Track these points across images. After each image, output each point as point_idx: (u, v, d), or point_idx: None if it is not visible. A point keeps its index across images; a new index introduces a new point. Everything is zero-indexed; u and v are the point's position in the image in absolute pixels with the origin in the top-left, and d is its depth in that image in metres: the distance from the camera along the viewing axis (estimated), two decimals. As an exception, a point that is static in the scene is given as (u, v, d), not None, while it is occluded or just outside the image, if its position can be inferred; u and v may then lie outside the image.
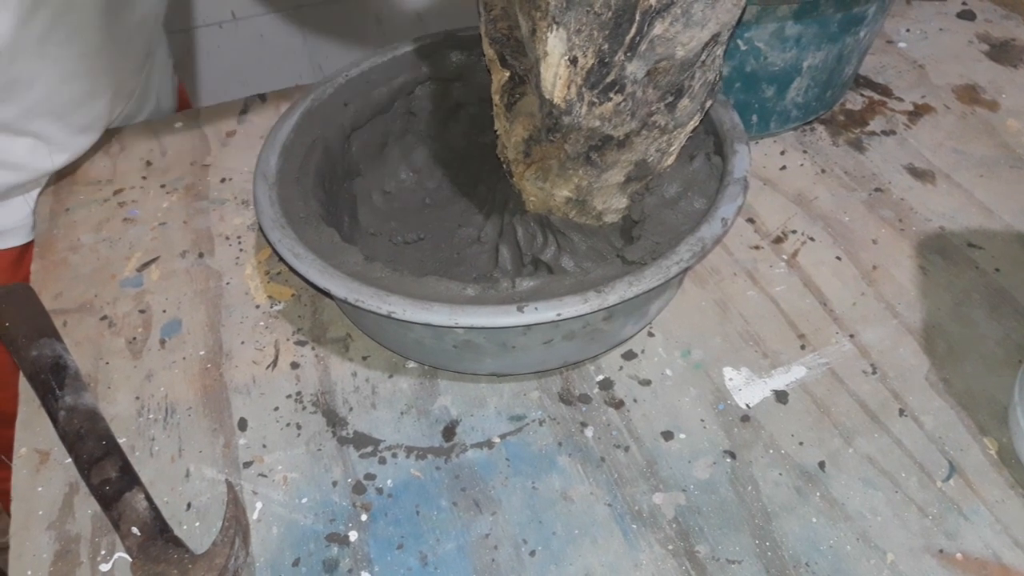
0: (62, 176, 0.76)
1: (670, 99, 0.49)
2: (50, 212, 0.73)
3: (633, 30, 0.44)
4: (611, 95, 0.47)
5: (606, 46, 0.45)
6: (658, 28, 0.44)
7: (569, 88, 0.47)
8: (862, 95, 0.85)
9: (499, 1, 0.52)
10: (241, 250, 0.68)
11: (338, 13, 1.45)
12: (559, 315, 0.48)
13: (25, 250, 0.76)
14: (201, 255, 0.68)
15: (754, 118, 0.77)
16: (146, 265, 0.67)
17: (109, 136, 0.80)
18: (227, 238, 0.69)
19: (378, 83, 0.68)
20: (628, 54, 0.45)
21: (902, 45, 0.93)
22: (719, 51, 0.49)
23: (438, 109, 0.71)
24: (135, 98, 0.82)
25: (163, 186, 0.75)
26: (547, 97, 0.48)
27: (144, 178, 0.76)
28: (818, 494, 0.51)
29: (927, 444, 0.54)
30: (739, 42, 0.69)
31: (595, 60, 0.46)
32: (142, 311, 0.64)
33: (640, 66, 0.46)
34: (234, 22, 1.43)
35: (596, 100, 0.47)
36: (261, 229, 0.55)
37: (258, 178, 0.58)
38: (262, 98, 0.84)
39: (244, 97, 0.84)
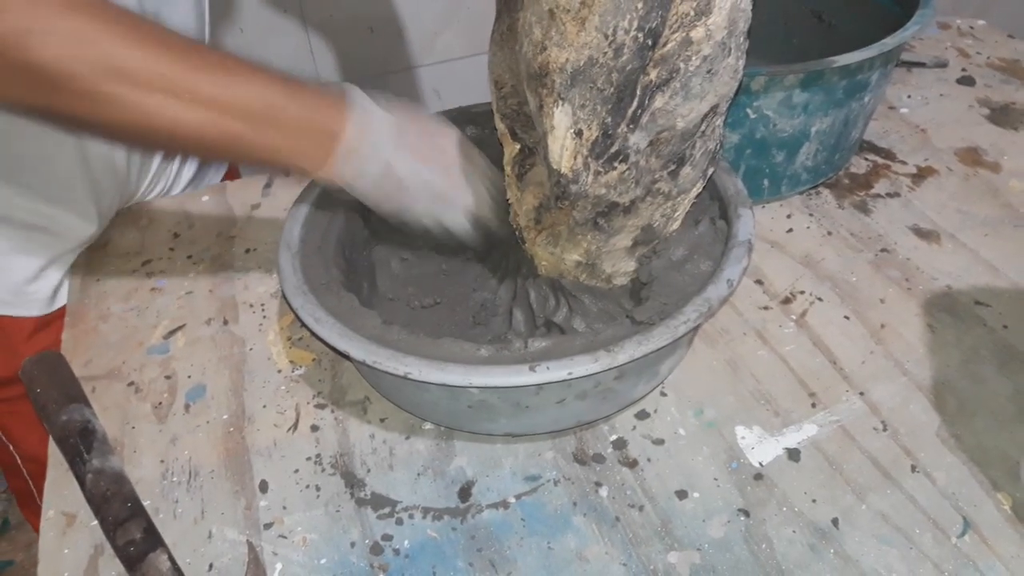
0: (93, 249, 0.79)
1: (673, 167, 0.51)
2: (81, 283, 0.76)
3: (635, 104, 0.47)
4: (615, 165, 0.49)
5: (609, 119, 0.48)
6: (659, 101, 0.47)
7: (575, 159, 0.50)
8: (866, 159, 0.87)
9: (509, 79, 0.56)
10: (264, 317, 0.71)
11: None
12: (570, 374, 0.49)
13: (47, 320, 0.78)
14: (226, 322, 0.70)
15: (765, 182, 0.79)
16: (172, 333, 0.70)
17: (138, 210, 0.83)
18: (251, 306, 0.72)
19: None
20: (631, 126, 0.48)
21: (904, 111, 0.95)
22: (719, 121, 0.51)
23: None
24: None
25: (190, 257, 0.78)
26: (555, 167, 0.51)
27: (172, 249, 0.79)
28: (832, 551, 0.51)
29: (940, 500, 0.54)
30: (748, 110, 0.72)
31: (599, 132, 0.48)
32: (168, 377, 0.66)
33: (643, 137, 0.49)
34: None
35: (601, 169, 0.50)
36: (284, 296, 0.58)
37: (282, 247, 0.61)
38: (285, 173, 0.88)
39: (268, 172, 0.88)
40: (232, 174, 1.01)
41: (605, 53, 0.45)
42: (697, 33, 0.46)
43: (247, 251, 0.78)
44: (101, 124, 0.50)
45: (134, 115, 0.48)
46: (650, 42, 0.45)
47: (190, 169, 0.90)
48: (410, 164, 0.57)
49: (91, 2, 0.47)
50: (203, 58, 0.50)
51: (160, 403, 0.64)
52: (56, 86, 0.46)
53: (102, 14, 0.47)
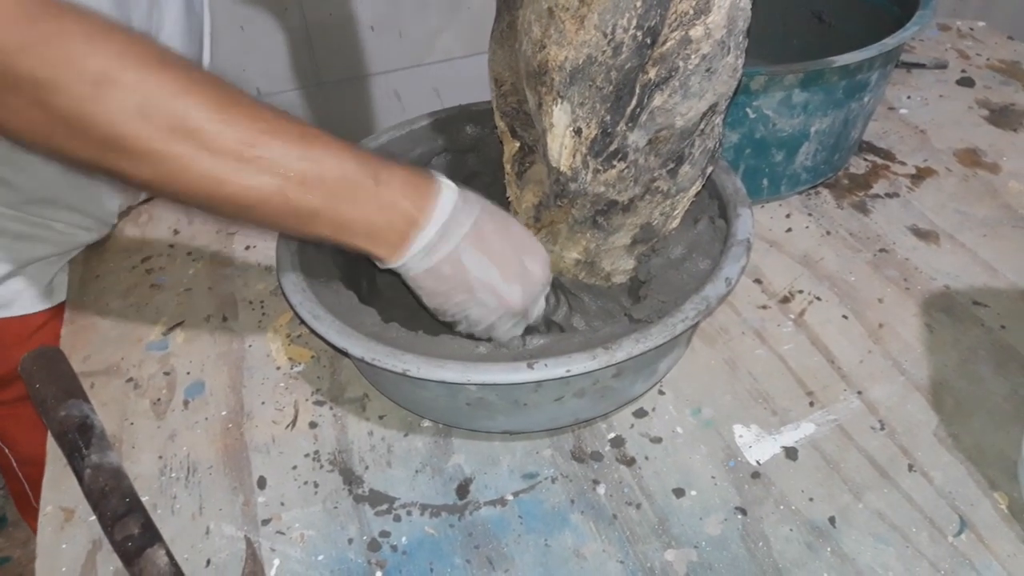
0: (93, 246, 0.79)
1: (671, 166, 0.51)
2: (80, 279, 0.76)
3: (634, 102, 0.47)
4: (614, 163, 0.50)
5: (608, 117, 0.48)
6: (658, 100, 0.47)
7: (574, 157, 0.50)
8: (865, 160, 0.88)
9: (508, 77, 0.56)
10: (264, 314, 0.71)
11: (358, 89, 1.51)
12: (568, 371, 0.49)
13: (47, 316, 0.78)
14: (225, 319, 0.70)
15: (765, 182, 0.79)
16: (171, 329, 0.70)
17: (138, 207, 0.83)
18: (250, 303, 0.72)
19: (396, 155, 0.71)
20: (629, 124, 0.48)
21: (903, 111, 0.96)
22: (718, 120, 0.51)
23: (453, 178, 0.73)
24: None
25: (189, 254, 0.78)
26: (554, 165, 0.51)
27: (171, 246, 0.79)
28: (829, 549, 0.51)
29: (937, 499, 0.54)
30: (748, 110, 0.72)
31: (598, 131, 0.48)
32: (167, 373, 0.66)
33: (641, 135, 0.49)
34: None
35: (600, 168, 0.50)
36: (283, 293, 0.58)
37: (281, 244, 0.61)
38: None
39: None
40: None
41: (604, 51, 0.45)
42: (696, 32, 0.46)
43: (247, 248, 0.78)
44: (163, 187, 0.45)
45: (202, 180, 0.44)
46: (649, 40, 0.45)
47: None
48: (481, 265, 0.52)
49: (156, 54, 0.42)
50: (279, 122, 0.45)
51: (159, 399, 0.64)
52: (117, 145, 0.41)
53: (171, 68, 0.42)
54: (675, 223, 0.57)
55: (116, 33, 0.41)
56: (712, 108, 0.49)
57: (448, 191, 0.51)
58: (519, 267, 0.53)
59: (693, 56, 0.46)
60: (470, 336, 0.56)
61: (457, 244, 0.50)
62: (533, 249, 0.55)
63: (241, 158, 0.44)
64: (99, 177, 0.45)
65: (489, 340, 0.55)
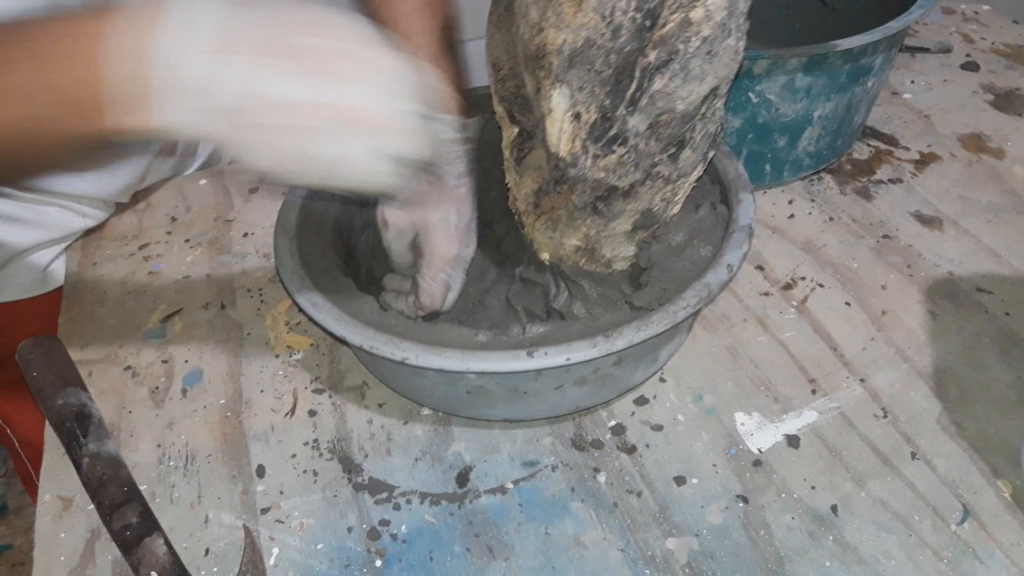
0: (90, 232, 0.79)
1: (672, 150, 0.50)
2: (78, 266, 0.75)
3: (633, 86, 0.46)
4: (614, 148, 0.49)
5: (608, 101, 0.47)
6: (658, 83, 0.46)
7: (574, 142, 0.49)
8: (868, 145, 0.87)
9: (507, 62, 0.55)
10: (262, 302, 0.70)
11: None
12: (568, 360, 0.49)
13: (43, 303, 0.77)
14: (223, 307, 0.70)
15: (767, 167, 0.78)
16: (169, 317, 0.69)
17: (135, 193, 0.83)
18: (248, 290, 0.72)
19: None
20: (629, 109, 0.47)
21: (907, 96, 0.95)
22: (719, 104, 0.51)
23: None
24: (179, 154, 0.85)
25: (187, 240, 0.77)
26: (553, 151, 0.50)
27: (169, 233, 0.78)
28: (831, 538, 0.51)
29: (940, 487, 0.54)
30: (751, 94, 0.72)
31: (598, 115, 0.48)
32: (165, 361, 0.65)
33: (642, 120, 0.48)
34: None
35: (600, 153, 0.49)
36: (281, 280, 0.57)
37: (279, 231, 0.60)
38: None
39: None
40: None
41: (603, 34, 0.44)
42: (696, 14, 0.45)
43: (245, 235, 0.78)
44: None
45: None
46: (648, 23, 0.44)
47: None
48: (275, 74, 0.37)
49: None
50: None
51: (157, 387, 0.64)
52: None
53: None
54: (676, 209, 0.56)
55: None
56: (713, 92, 0.48)
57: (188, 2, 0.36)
58: (336, 54, 0.37)
59: (694, 38, 0.45)
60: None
61: (246, 63, 0.36)
62: (321, 20, 0.38)
63: None
64: None
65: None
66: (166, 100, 0.37)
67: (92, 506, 0.55)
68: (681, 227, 0.58)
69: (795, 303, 0.68)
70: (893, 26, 0.71)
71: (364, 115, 0.38)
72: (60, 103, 0.38)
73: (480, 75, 0.62)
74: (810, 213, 0.77)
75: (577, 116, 0.48)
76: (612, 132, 0.48)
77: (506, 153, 0.59)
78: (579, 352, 0.49)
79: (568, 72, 0.46)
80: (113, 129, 0.38)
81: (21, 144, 0.39)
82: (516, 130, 0.57)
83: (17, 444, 0.89)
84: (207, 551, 0.53)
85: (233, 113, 0.37)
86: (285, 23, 0.37)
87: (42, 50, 0.37)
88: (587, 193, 0.52)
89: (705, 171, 0.56)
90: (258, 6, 0.38)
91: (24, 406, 0.80)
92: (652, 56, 0.45)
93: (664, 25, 0.44)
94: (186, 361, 0.65)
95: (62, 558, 0.53)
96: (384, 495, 0.55)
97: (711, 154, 0.53)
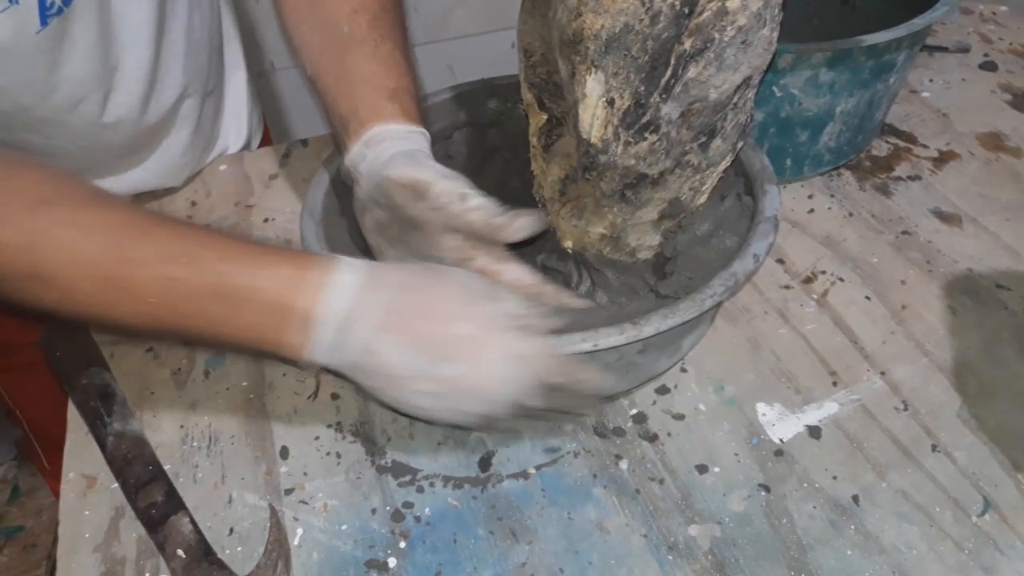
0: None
1: (703, 139, 0.51)
2: (100, 249, 0.75)
3: (668, 73, 0.47)
4: (646, 135, 0.49)
5: (642, 88, 0.47)
6: (692, 71, 0.47)
7: (606, 128, 0.50)
8: (887, 142, 0.87)
9: (539, 47, 0.55)
10: (283, 286, 0.70)
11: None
12: (595, 346, 0.49)
13: None
14: (244, 291, 0.70)
15: (788, 162, 0.79)
16: (191, 300, 0.69)
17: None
18: (269, 275, 0.72)
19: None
20: (663, 96, 0.47)
21: (926, 95, 0.95)
22: (750, 94, 0.51)
23: (473, 153, 0.74)
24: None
25: (208, 225, 0.78)
26: (585, 137, 0.51)
27: (189, 217, 0.79)
28: (852, 527, 0.51)
29: (960, 479, 0.54)
30: (775, 88, 0.72)
31: (631, 101, 0.48)
32: (186, 343, 0.66)
33: (674, 107, 0.48)
34: (272, 72, 1.48)
35: (632, 140, 0.49)
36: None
37: (305, 216, 0.60)
38: (303, 143, 0.88)
39: (287, 143, 0.88)
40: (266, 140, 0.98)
41: (641, 20, 0.45)
42: (733, 3, 0.45)
43: (265, 220, 0.78)
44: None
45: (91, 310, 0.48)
46: (687, 10, 0.44)
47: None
48: (402, 350, 0.46)
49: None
50: (140, 244, 0.47)
51: (179, 369, 0.64)
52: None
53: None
54: (703, 198, 0.56)
55: None
56: (746, 81, 0.49)
57: (348, 277, 0.47)
58: (454, 340, 0.47)
59: (729, 28, 0.46)
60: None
61: (369, 334, 0.46)
62: (470, 315, 0.47)
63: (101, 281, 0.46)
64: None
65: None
66: (325, 354, 0.48)
67: (116, 484, 0.55)
68: (707, 217, 0.58)
69: (815, 296, 0.68)
70: (918, 23, 0.71)
71: (463, 385, 0.47)
72: (249, 342, 0.49)
73: (496, 68, 0.62)
74: (830, 208, 0.78)
75: (611, 102, 0.48)
76: (645, 119, 0.48)
77: (533, 140, 0.59)
78: (606, 338, 0.49)
79: (604, 58, 0.46)
80: (269, 355, 0.49)
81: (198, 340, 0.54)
82: (545, 117, 0.57)
83: (26, 427, 0.90)
84: (231, 530, 0.53)
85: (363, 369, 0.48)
86: (434, 313, 0.47)
87: (240, 318, 0.47)
88: (616, 180, 0.52)
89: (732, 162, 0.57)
90: (416, 295, 0.48)
91: (36, 389, 0.80)
92: (688, 44, 0.45)
93: (701, 13, 0.44)
94: (208, 343, 0.66)
95: (87, 535, 0.53)
96: (407, 478, 0.56)
97: (740, 144, 0.54)
